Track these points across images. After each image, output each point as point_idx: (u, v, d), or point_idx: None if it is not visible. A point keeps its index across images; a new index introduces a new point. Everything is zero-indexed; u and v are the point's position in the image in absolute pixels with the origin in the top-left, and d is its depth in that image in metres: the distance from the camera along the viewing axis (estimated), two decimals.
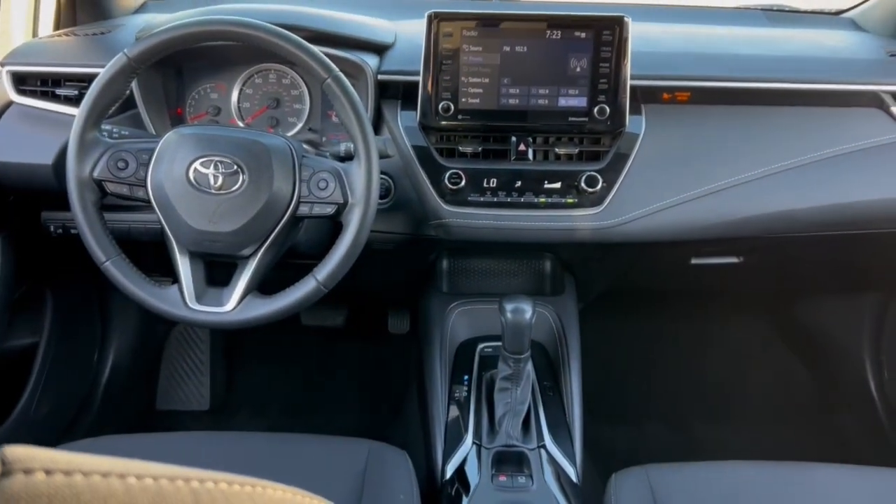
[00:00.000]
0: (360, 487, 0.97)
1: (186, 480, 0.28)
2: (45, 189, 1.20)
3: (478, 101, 1.15)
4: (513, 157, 1.18)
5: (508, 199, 1.18)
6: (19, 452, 0.23)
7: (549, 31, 1.12)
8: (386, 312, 1.94)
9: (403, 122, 1.19)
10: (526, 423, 1.11)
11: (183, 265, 1.03)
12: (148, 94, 1.24)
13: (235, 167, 0.97)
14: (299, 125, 1.31)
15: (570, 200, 1.18)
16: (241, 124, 1.31)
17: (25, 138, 1.22)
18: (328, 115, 1.31)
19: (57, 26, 1.43)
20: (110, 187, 1.01)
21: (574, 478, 1.08)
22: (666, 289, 1.86)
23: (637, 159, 1.19)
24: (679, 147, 1.21)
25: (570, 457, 1.10)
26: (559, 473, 1.06)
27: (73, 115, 1.01)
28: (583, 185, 1.16)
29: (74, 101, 1.21)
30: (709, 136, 1.22)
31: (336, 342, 2.03)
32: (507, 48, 1.13)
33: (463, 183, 1.16)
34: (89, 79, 1.02)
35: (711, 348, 2.02)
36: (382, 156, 1.04)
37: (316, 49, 0.99)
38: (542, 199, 1.18)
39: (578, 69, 1.14)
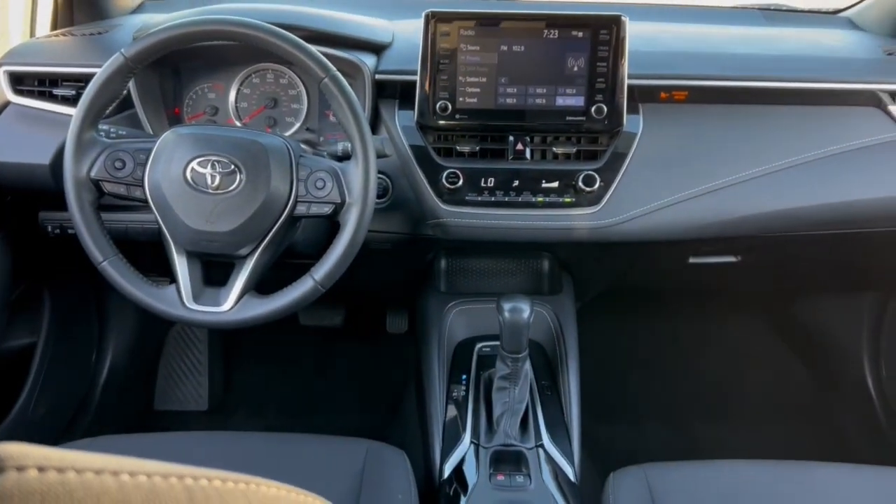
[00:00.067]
0: (359, 487, 0.97)
1: (180, 478, 0.28)
2: (43, 189, 1.20)
3: (475, 100, 1.15)
4: (510, 157, 1.18)
5: (506, 199, 1.18)
6: (12, 450, 0.23)
7: (546, 31, 1.12)
8: (384, 312, 1.94)
9: (401, 122, 1.19)
10: (524, 423, 1.11)
11: (180, 265, 1.03)
12: (145, 93, 1.23)
13: (233, 167, 0.97)
14: (297, 125, 1.31)
15: (568, 200, 1.18)
16: (238, 124, 1.31)
17: (23, 138, 1.22)
18: (326, 115, 1.31)
19: (54, 26, 1.43)
20: (107, 187, 1.00)
21: (572, 477, 1.08)
22: (664, 288, 1.86)
23: (634, 158, 1.19)
24: (676, 146, 1.21)
25: (568, 456, 1.10)
26: (557, 473, 1.06)
27: (71, 115, 1.01)
28: (580, 184, 1.16)
29: (72, 101, 1.21)
30: (706, 136, 1.22)
31: (334, 342, 2.03)
32: (504, 48, 1.13)
33: (460, 182, 1.16)
34: (86, 79, 1.02)
35: (710, 347, 2.03)
36: (380, 155, 1.04)
37: (313, 48, 0.99)
38: (540, 199, 1.18)
39: (576, 68, 1.14)
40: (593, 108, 1.14)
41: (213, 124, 1.29)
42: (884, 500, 0.97)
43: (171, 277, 1.04)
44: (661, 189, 1.19)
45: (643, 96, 1.21)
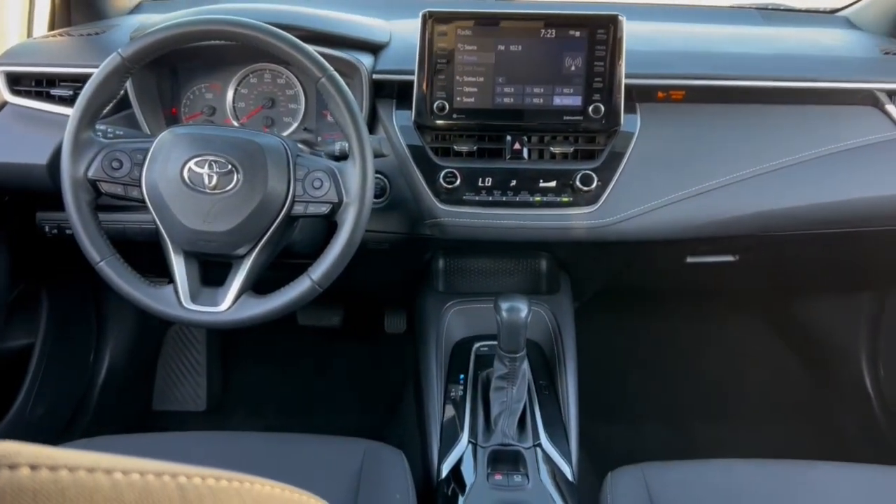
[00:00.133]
0: (357, 487, 0.97)
1: (173, 476, 0.28)
2: (40, 189, 1.20)
3: (473, 100, 1.15)
4: (508, 156, 1.18)
5: (504, 198, 1.18)
6: (4, 448, 0.23)
7: (543, 30, 1.12)
8: (382, 312, 1.94)
9: (398, 122, 1.19)
10: (522, 422, 1.11)
11: (178, 265, 1.03)
12: (142, 94, 1.23)
13: (230, 167, 0.97)
14: (294, 125, 1.31)
15: (566, 199, 1.18)
16: (236, 124, 1.30)
17: (20, 138, 1.22)
18: (323, 115, 1.31)
19: (52, 26, 1.43)
20: (105, 187, 1.00)
21: (570, 476, 1.08)
22: (661, 287, 1.86)
23: (632, 158, 1.19)
24: (674, 146, 1.21)
25: (566, 455, 1.10)
26: (555, 472, 1.06)
27: (68, 116, 1.00)
28: (578, 183, 1.16)
29: (69, 101, 1.21)
30: (704, 135, 1.22)
31: (332, 342, 2.03)
32: (501, 47, 1.13)
33: (458, 182, 1.16)
34: (83, 79, 1.02)
35: (708, 347, 2.03)
36: (377, 155, 1.04)
37: (310, 48, 0.99)
38: (538, 198, 1.18)
39: (573, 68, 1.14)
40: (591, 108, 1.14)
41: (211, 124, 1.29)
42: (882, 499, 0.97)
43: (169, 277, 1.04)
44: (658, 188, 1.19)
45: (640, 96, 1.21)
